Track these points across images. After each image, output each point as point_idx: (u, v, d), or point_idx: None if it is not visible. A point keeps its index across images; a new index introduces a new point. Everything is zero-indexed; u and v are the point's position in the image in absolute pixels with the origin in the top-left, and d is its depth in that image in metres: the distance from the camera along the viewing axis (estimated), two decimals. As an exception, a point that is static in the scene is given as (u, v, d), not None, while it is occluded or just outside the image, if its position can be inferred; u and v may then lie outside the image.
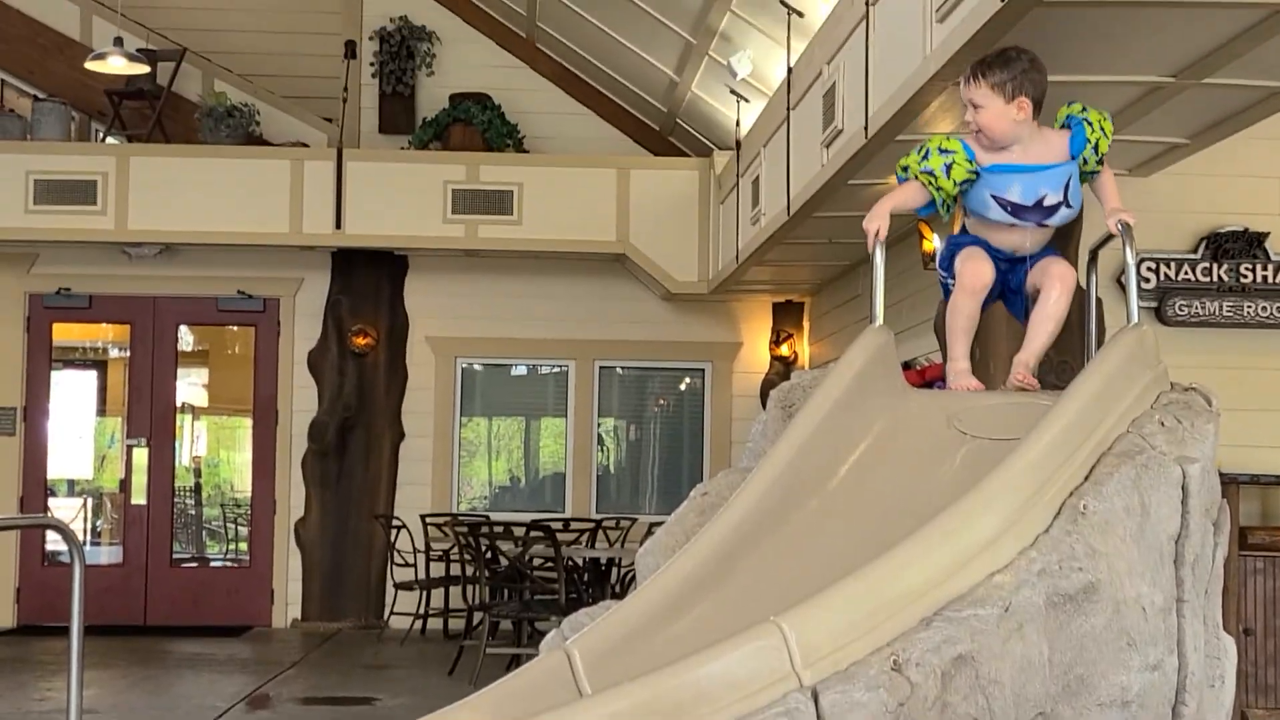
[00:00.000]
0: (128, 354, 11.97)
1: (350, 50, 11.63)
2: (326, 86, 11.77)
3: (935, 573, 2.88)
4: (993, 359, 4.36)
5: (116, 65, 10.50)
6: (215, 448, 13.85)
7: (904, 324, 7.71)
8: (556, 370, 12.14)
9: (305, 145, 11.35)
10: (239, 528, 12.67)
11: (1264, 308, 6.59)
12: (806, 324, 11.81)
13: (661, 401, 12.30)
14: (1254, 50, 4.68)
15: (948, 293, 3.98)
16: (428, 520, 11.15)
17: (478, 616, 9.62)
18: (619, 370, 12.12)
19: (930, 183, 3.82)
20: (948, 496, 3.03)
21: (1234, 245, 6.61)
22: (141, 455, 11.81)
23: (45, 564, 11.65)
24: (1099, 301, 4.06)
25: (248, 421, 12.11)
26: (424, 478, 11.79)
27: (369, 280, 11.70)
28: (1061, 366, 4.14)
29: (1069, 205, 3.83)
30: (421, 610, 10.86)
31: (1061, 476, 3.14)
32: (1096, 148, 3.82)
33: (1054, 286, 3.81)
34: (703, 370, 12.06)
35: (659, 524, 3.74)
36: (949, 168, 3.80)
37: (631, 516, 11.18)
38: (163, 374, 11.84)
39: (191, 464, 13.33)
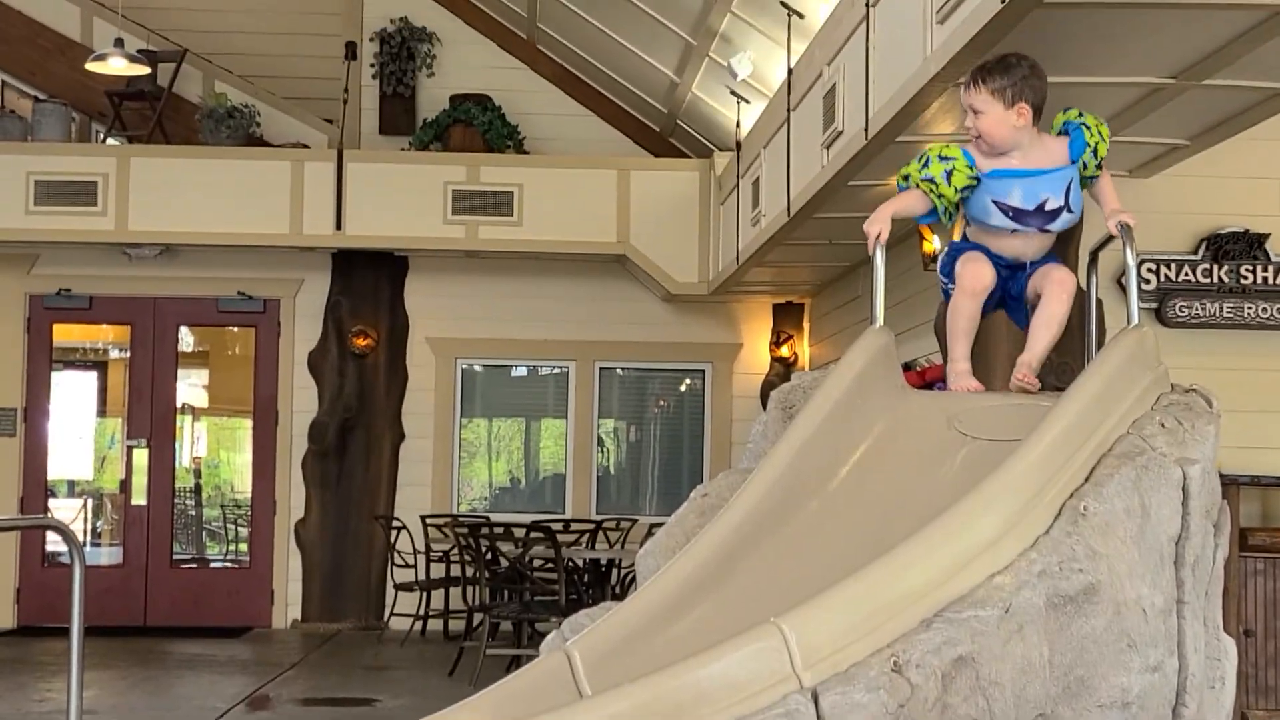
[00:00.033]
0: (128, 355, 11.97)
1: (351, 51, 11.64)
2: (327, 88, 11.77)
3: (936, 574, 2.88)
4: (993, 361, 4.36)
5: (117, 66, 10.51)
6: (215, 448, 13.86)
7: (904, 325, 7.70)
8: (557, 371, 12.14)
9: (306, 146, 11.35)
10: (239, 528, 12.67)
11: (1264, 309, 6.59)
12: (807, 325, 11.81)
13: (662, 402, 12.30)
14: (1254, 52, 4.68)
15: (949, 298, 3.98)
16: (428, 521, 11.16)
17: (478, 617, 9.62)
18: (619, 371, 12.13)
19: (931, 190, 3.82)
20: (948, 498, 3.03)
21: (1234, 246, 6.61)
22: (142, 456, 11.81)
23: (45, 565, 11.66)
24: (1099, 303, 4.06)
25: (248, 422, 12.11)
26: (424, 479, 11.79)
27: (369, 281, 11.71)
28: (1062, 368, 4.13)
29: (1070, 210, 3.82)
30: (422, 611, 10.86)
31: (1062, 478, 3.14)
32: (1095, 151, 3.82)
33: (1054, 290, 3.81)
34: (703, 371, 12.06)
35: (659, 525, 3.74)
36: (949, 174, 3.80)
37: (632, 517, 11.18)
38: (163, 375, 11.84)
39: (192, 465, 13.33)
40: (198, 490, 13.21)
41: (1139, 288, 3.71)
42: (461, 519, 10.90)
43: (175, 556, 11.98)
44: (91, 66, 10.56)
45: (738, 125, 9.73)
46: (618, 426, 12.33)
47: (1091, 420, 3.27)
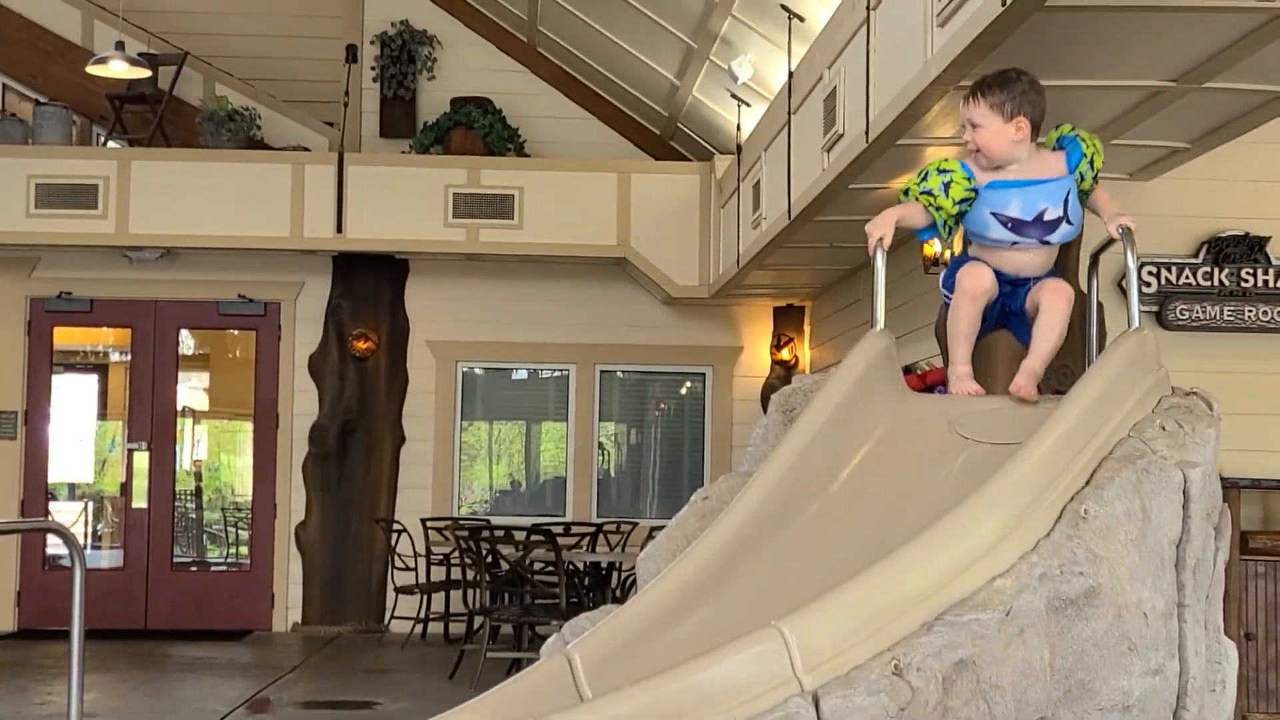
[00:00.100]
0: (129, 358, 11.97)
1: (351, 54, 11.64)
2: (327, 91, 11.78)
3: (936, 577, 2.88)
4: (995, 365, 4.35)
5: (118, 69, 10.51)
6: (216, 451, 13.87)
7: (905, 328, 7.71)
8: (557, 374, 12.14)
9: (306, 149, 11.35)
10: (239, 531, 12.68)
11: (1265, 312, 6.59)
12: (807, 328, 11.81)
13: (662, 405, 12.30)
14: (1255, 55, 4.68)
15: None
16: (428, 524, 11.16)
17: (478, 621, 9.62)
18: (620, 374, 12.12)
19: (930, 203, 3.83)
20: (949, 501, 3.03)
21: (1235, 249, 6.61)
22: (142, 459, 11.81)
23: (46, 568, 11.65)
24: (1100, 306, 4.06)
25: (248, 425, 12.11)
26: (425, 481, 11.79)
27: (370, 284, 11.70)
28: (1062, 371, 4.14)
29: (1069, 222, 3.83)
30: (422, 614, 10.86)
31: (1062, 481, 3.14)
32: (1092, 163, 3.84)
33: (1052, 300, 3.81)
34: (703, 374, 12.06)
35: (660, 528, 3.74)
36: (947, 186, 3.81)
37: (632, 521, 11.17)
38: (164, 378, 11.84)
39: (192, 468, 13.35)
40: (198, 493, 13.21)
41: (1140, 291, 3.71)
42: (462, 522, 10.90)
43: (176, 559, 11.98)
44: (92, 69, 10.57)
45: (738, 128, 9.73)
46: (618, 429, 12.33)
47: (1092, 423, 3.27)
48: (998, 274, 3.90)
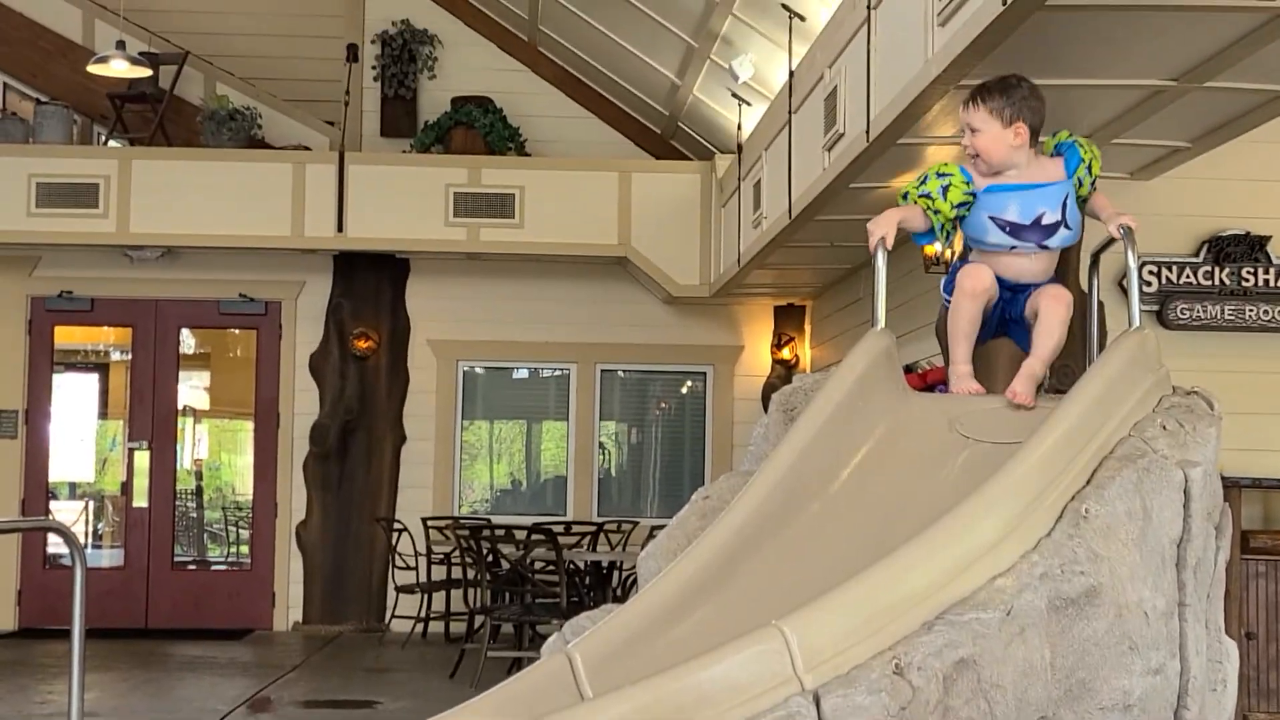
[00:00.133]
0: (129, 357, 11.97)
1: (352, 54, 11.64)
2: (328, 90, 11.78)
3: (937, 576, 2.88)
4: (995, 365, 4.35)
5: (119, 68, 10.51)
6: (216, 451, 13.87)
7: (906, 328, 7.71)
8: (558, 373, 12.14)
9: (307, 148, 11.35)
10: (240, 531, 12.68)
11: (1265, 311, 6.59)
12: (808, 327, 11.81)
13: (663, 405, 12.30)
14: (1255, 54, 4.68)
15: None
16: (429, 523, 11.16)
17: (479, 620, 9.62)
18: (620, 373, 12.12)
19: (929, 207, 3.84)
20: (949, 500, 3.03)
21: (1235, 249, 6.61)
22: (143, 458, 11.81)
23: (46, 567, 11.65)
24: (1100, 305, 4.06)
25: (249, 424, 12.12)
26: (425, 481, 11.79)
27: (370, 283, 11.71)
28: (1062, 370, 4.14)
29: (1067, 226, 3.83)
30: (423, 613, 10.86)
31: (1063, 480, 3.15)
32: (1090, 169, 3.85)
33: (1050, 304, 3.81)
34: (704, 373, 12.06)
35: (660, 527, 3.74)
36: (946, 189, 3.83)
37: (633, 520, 11.17)
38: (164, 377, 11.84)
39: (193, 467, 13.35)
40: (199, 492, 13.22)
41: (1140, 290, 3.71)
42: (463, 521, 10.90)
43: (176, 558, 11.99)
44: (93, 69, 10.57)
45: (739, 127, 9.73)
46: (619, 429, 12.33)
47: (1093, 423, 3.27)
48: (998, 280, 3.90)
